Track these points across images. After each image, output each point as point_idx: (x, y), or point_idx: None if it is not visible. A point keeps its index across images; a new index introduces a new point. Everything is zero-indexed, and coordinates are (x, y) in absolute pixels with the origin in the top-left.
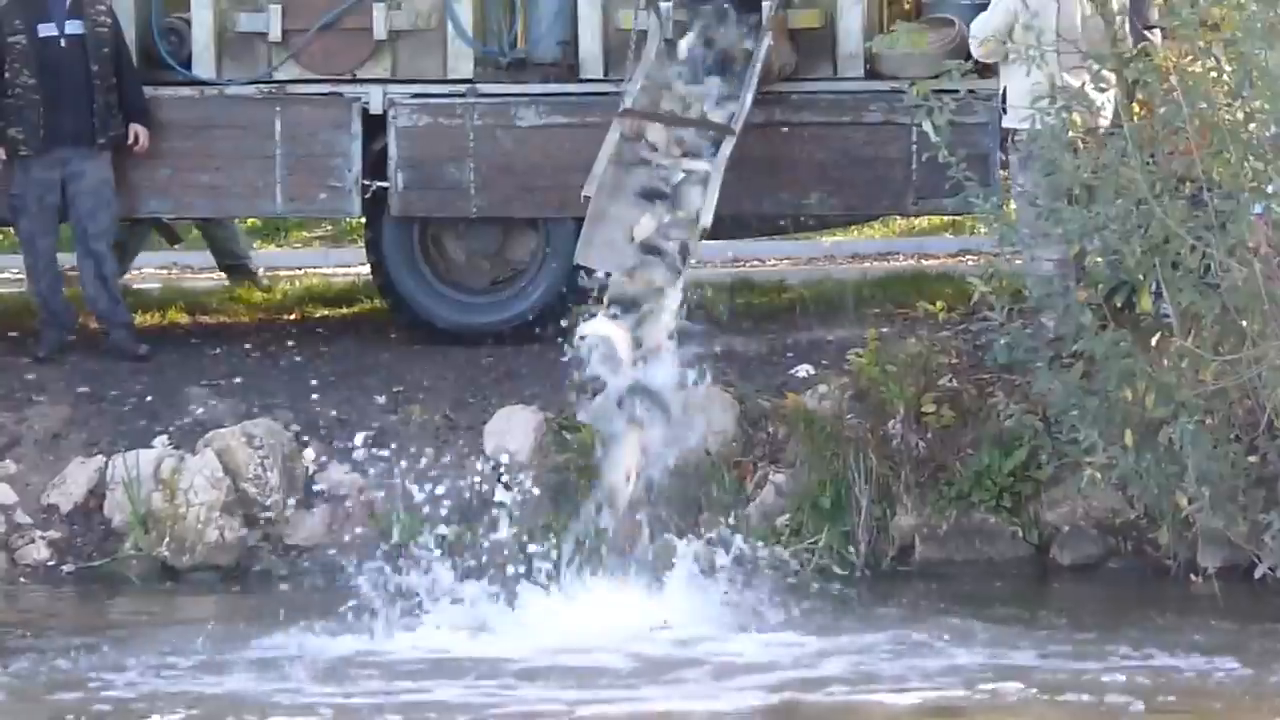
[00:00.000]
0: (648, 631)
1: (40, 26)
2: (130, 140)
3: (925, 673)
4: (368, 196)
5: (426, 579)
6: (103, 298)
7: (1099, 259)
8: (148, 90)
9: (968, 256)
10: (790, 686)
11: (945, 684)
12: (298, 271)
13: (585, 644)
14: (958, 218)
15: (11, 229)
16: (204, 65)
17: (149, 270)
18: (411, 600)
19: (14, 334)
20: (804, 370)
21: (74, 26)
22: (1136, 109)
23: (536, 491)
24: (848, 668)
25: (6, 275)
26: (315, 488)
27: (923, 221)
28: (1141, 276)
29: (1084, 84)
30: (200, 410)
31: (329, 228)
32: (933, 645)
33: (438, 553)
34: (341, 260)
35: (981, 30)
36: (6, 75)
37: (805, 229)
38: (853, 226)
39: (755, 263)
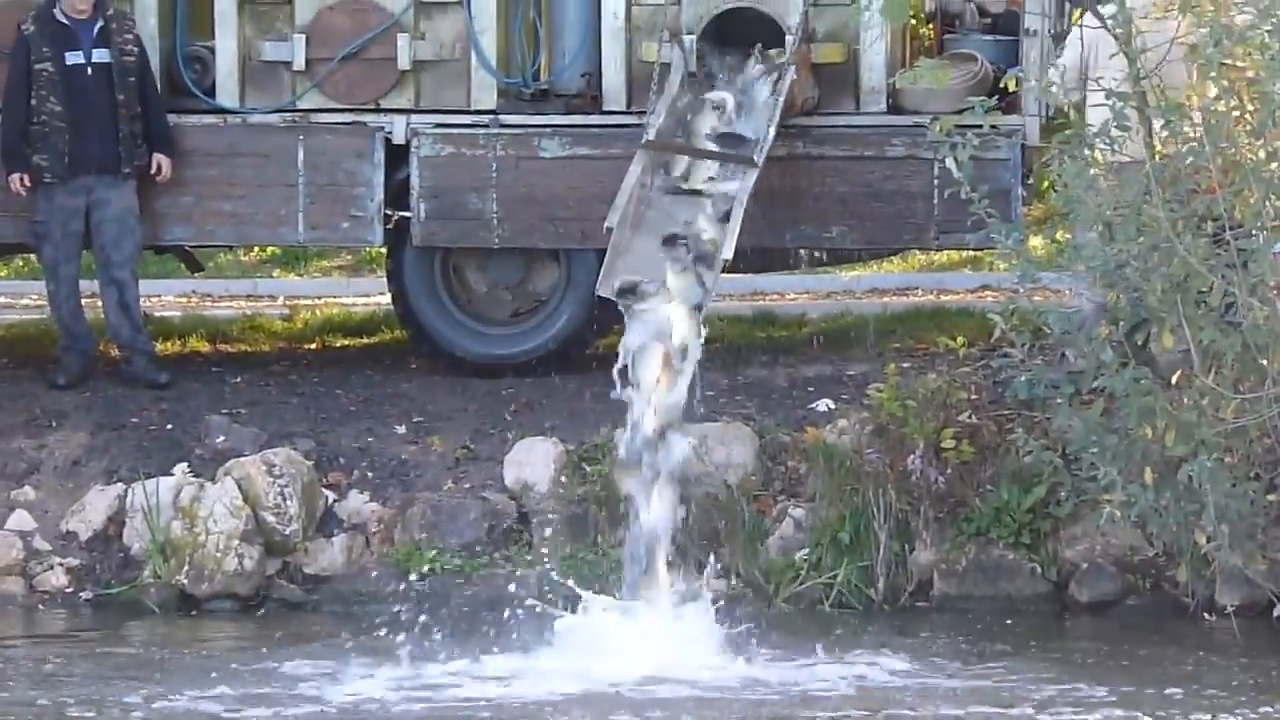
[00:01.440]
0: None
1: (68, 54)
2: (154, 170)
3: (936, 705)
4: (390, 226)
5: (443, 611)
6: (125, 326)
7: (1120, 296)
8: (171, 118)
9: (987, 292)
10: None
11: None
12: (318, 301)
13: (603, 677)
14: (977, 253)
15: (34, 255)
16: (228, 94)
17: (170, 298)
18: (429, 632)
19: (34, 361)
20: (824, 404)
21: (101, 55)
22: (1158, 147)
23: (556, 522)
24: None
25: (27, 301)
26: (335, 517)
27: (942, 256)
28: (1163, 314)
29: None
30: (220, 439)
31: (349, 257)
32: (946, 680)
33: (457, 583)
34: (362, 290)
35: (1057, 69)
36: (33, 102)
37: (827, 263)
38: (873, 261)
39: (775, 296)
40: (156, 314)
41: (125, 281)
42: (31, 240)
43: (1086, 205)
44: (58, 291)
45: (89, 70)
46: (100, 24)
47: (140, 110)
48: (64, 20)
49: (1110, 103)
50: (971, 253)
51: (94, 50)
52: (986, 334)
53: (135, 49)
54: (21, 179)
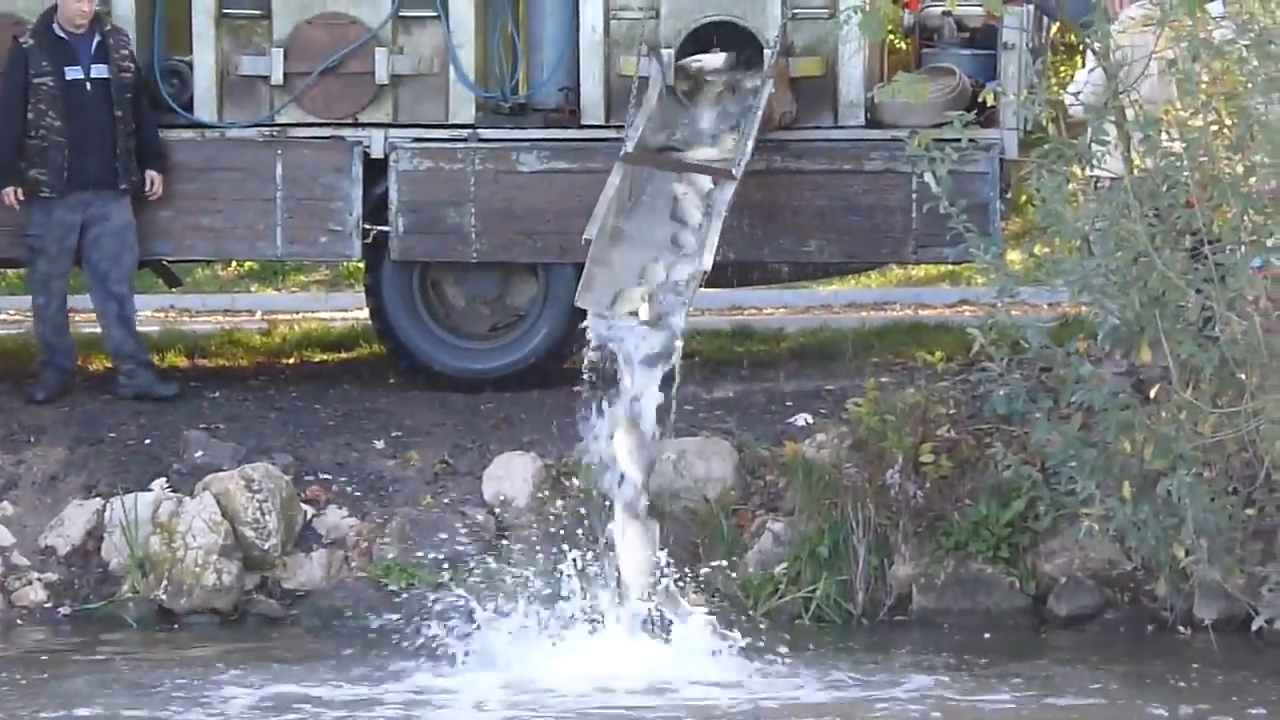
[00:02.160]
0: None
1: (67, 69)
2: (148, 186)
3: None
4: (368, 240)
5: (423, 623)
6: (128, 340)
7: (1096, 311)
8: None
9: (965, 307)
10: None
11: None
12: (296, 316)
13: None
14: (955, 268)
15: (23, 270)
16: (206, 108)
17: (148, 313)
18: (406, 644)
19: (11, 376)
20: (803, 419)
21: (99, 70)
22: (1136, 162)
23: (534, 538)
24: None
25: (3, 317)
26: (314, 532)
27: (919, 271)
28: (1141, 329)
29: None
30: (199, 453)
31: (326, 272)
32: (924, 693)
33: (433, 598)
34: (340, 304)
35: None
36: (30, 116)
37: (805, 277)
38: (851, 275)
39: (753, 311)
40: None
41: (125, 296)
42: (23, 254)
43: (1065, 220)
44: (47, 306)
45: (88, 86)
46: (98, 39)
47: (135, 126)
48: (62, 35)
49: (1089, 118)
50: (949, 267)
51: (92, 65)
52: (965, 349)
53: (131, 65)
54: (15, 193)
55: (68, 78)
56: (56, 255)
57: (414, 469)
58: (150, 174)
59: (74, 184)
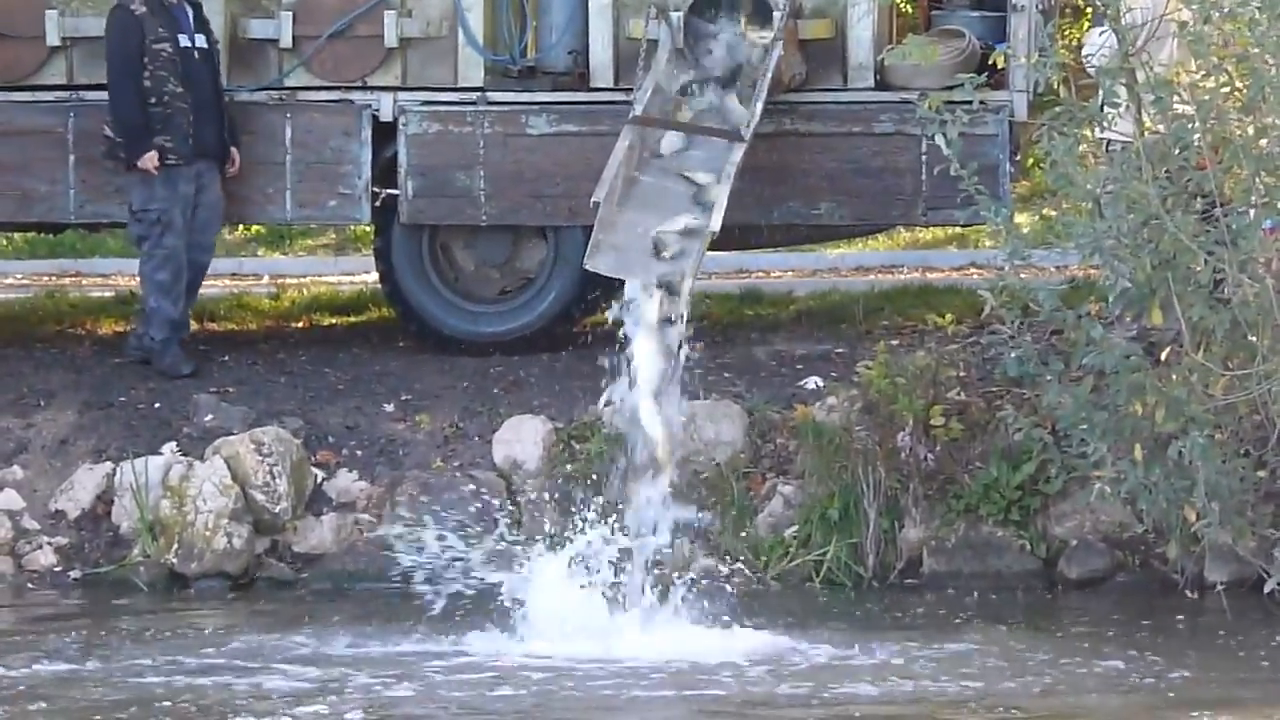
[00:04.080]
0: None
1: (180, 37)
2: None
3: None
4: (377, 204)
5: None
6: (183, 313)
7: (1108, 273)
8: None
9: (974, 270)
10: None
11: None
12: (304, 279)
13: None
14: (963, 230)
15: (139, 244)
16: None
17: None
18: (417, 607)
19: (19, 340)
20: (813, 382)
21: (201, 41)
22: (1147, 124)
23: (545, 500)
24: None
25: (10, 281)
26: (324, 495)
27: (927, 234)
28: (1152, 291)
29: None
30: (209, 417)
31: (334, 236)
32: (936, 656)
33: (443, 561)
34: (348, 268)
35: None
36: (149, 84)
37: (814, 239)
38: (859, 238)
39: (761, 274)
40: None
41: (204, 265)
42: (145, 230)
43: (1076, 183)
44: (176, 281)
45: (196, 55)
46: (191, 10)
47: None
48: (169, 3)
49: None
50: (957, 230)
51: (195, 35)
52: (975, 311)
53: (217, 41)
54: (154, 158)
55: (182, 45)
56: (181, 227)
57: (424, 432)
58: (232, 149)
59: (197, 152)
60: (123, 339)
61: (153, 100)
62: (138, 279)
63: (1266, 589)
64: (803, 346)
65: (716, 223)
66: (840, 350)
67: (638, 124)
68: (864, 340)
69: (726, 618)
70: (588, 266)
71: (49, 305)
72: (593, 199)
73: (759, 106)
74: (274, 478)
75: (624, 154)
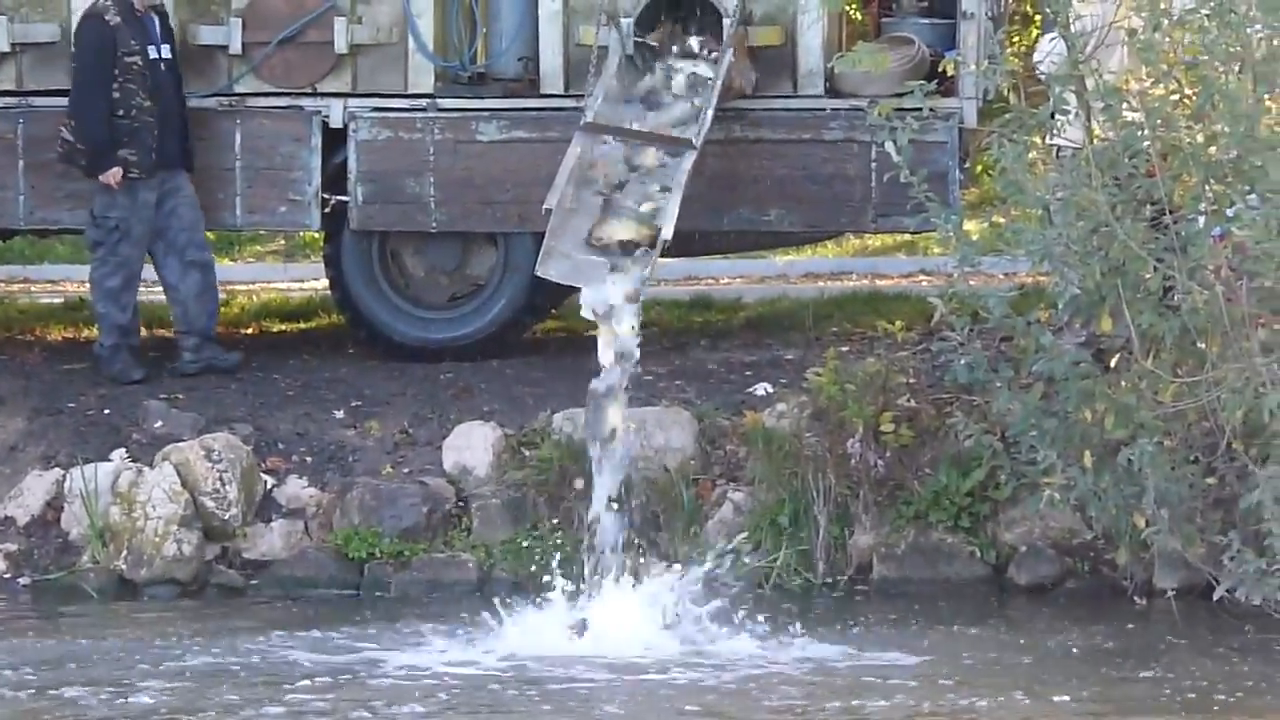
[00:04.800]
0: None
1: (149, 48)
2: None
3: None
4: (327, 210)
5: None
6: (202, 314)
7: (1058, 279)
8: None
9: (923, 277)
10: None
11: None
12: (253, 286)
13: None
14: (912, 237)
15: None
16: None
17: None
18: (367, 614)
19: None
20: (762, 388)
21: (166, 51)
22: (1097, 131)
23: (495, 507)
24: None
25: None
26: (274, 502)
27: (876, 241)
28: (1101, 298)
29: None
30: (158, 424)
31: (283, 242)
32: (883, 662)
33: (393, 568)
34: (298, 275)
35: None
36: (117, 95)
37: (764, 246)
38: (809, 245)
39: (710, 281)
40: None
41: (208, 263)
42: (102, 236)
43: (1026, 190)
44: (125, 290)
45: (162, 65)
46: (157, 19)
47: None
48: (139, 13)
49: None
50: (905, 237)
51: (161, 46)
52: (924, 318)
53: (176, 44)
54: (117, 174)
55: (151, 56)
56: (141, 238)
57: (374, 439)
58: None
59: (159, 164)
60: (73, 345)
61: (120, 113)
62: (88, 285)
63: (1215, 596)
64: (752, 353)
65: (668, 230)
66: (790, 357)
67: (589, 131)
68: (814, 347)
69: (678, 622)
70: (539, 274)
71: None
72: (544, 206)
73: (709, 114)
74: (224, 484)
75: (575, 161)
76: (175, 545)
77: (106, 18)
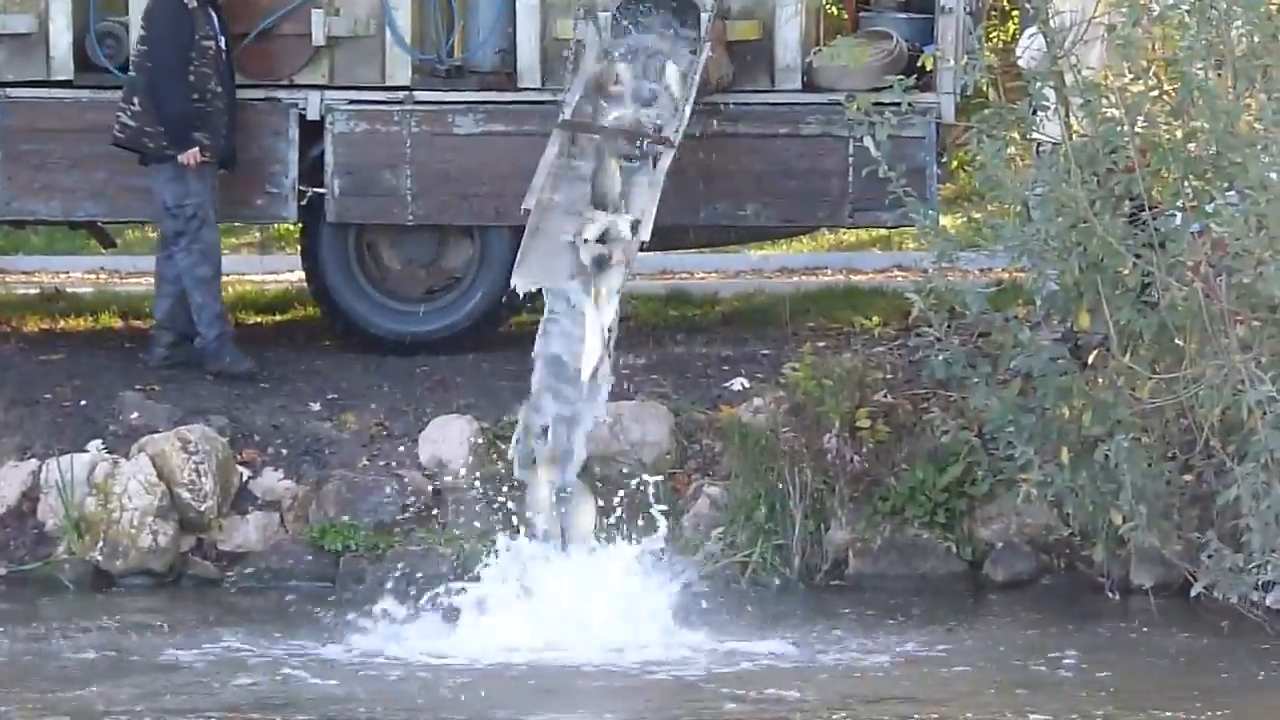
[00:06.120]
0: None
1: (219, 37)
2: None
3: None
4: (304, 203)
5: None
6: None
7: (1036, 275)
8: (83, 95)
9: (898, 272)
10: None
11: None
12: (229, 278)
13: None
14: (888, 232)
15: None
16: None
17: (79, 274)
18: (342, 606)
19: None
20: (739, 383)
21: (223, 41)
22: (1076, 127)
23: (470, 499)
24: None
25: None
26: (250, 494)
27: (851, 236)
28: (1080, 294)
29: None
30: (134, 415)
31: (258, 234)
32: (860, 658)
33: (368, 560)
34: (273, 267)
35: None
36: (192, 79)
37: (740, 240)
38: (785, 239)
39: (685, 275)
40: (68, 289)
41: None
42: (182, 225)
43: (1005, 185)
44: (217, 276)
45: (224, 55)
46: (215, 13)
47: None
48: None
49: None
50: (881, 232)
51: (220, 36)
52: (901, 313)
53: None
54: (196, 154)
55: (220, 44)
56: (216, 221)
57: (350, 431)
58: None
59: (225, 151)
60: (49, 336)
61: (195, 96)
62: (157, 278)
63: (1192, 592)
64: (728, 348)
65: (646, 228)
66: (766, 352)
67: (566, 128)
68: (790, 342)
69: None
70: (515, 280)
71: None
72: (523, 206)
73: (686, 109)
74: (200, 476)
75: (553, 161)
76: (151, 537)
77: (185, 1)
